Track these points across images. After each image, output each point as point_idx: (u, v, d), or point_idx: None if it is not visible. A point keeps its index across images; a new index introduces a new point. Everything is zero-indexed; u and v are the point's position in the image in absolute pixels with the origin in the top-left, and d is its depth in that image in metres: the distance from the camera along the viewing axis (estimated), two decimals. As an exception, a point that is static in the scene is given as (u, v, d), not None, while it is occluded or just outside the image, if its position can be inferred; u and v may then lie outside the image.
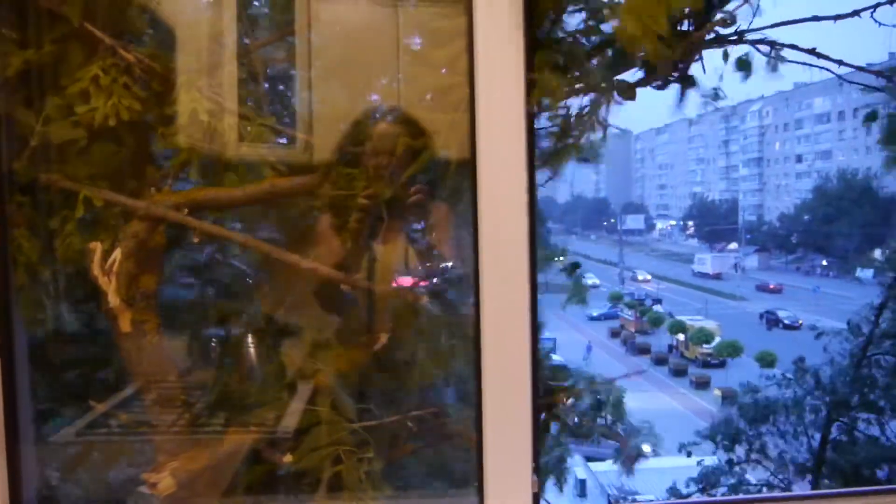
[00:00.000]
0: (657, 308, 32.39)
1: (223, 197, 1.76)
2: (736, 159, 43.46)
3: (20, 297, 1.76)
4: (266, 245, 1.78)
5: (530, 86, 1.72)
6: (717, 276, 37.45)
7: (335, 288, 1.90)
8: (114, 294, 1.70)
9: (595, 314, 33.08)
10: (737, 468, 10.71)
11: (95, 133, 1.75)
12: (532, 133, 1.77)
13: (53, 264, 1.80)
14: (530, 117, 1.73)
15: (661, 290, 35.91)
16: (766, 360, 20.63)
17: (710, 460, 10.95)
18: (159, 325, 1.81)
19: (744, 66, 2.53)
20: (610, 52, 1.89)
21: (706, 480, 10.96)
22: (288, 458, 1.75)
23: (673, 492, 11.28)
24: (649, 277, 37.18)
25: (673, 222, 46.57)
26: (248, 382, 1.99)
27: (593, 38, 1.88)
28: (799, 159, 38.74)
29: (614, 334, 31.54)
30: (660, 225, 47.35)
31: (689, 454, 11.41)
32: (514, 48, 1.64)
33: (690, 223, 43.89)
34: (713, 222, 41.58)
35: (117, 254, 1.71)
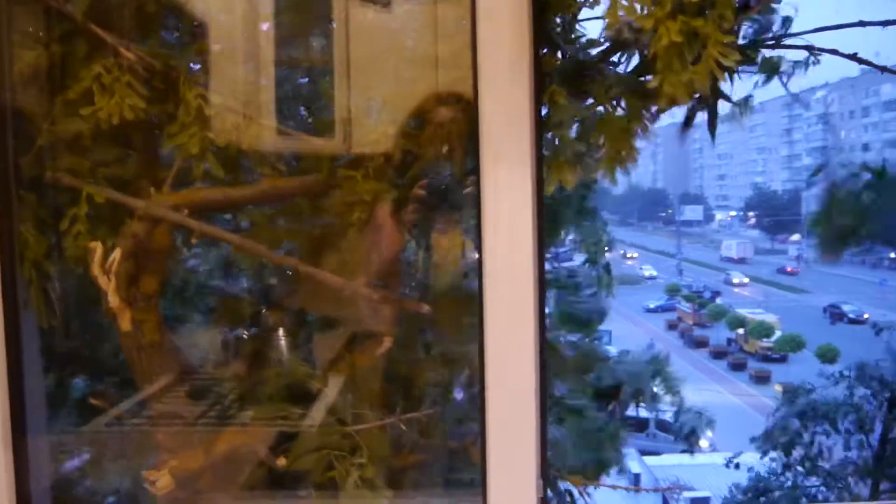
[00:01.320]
0: (717, 301, 31.78)
1: (221, 198, 1.75)
2: (799, 148, 42.25)
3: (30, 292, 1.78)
4: (262, 249, 1.77)
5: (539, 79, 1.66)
6: (742, 261, 36.70)
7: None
8: (113, 294, 1.71)
9: (652, 306, 32.61)
10: (795, 468, 10.44)
11: (102, 132, 1.76)
12: (539, 125, 1.72)
13: (61, 262, 1.82)
14: (538, 108, 1.68)
15: (721, 283, 35.17)
16: (828, 356, 20.05)
17: (761, 461, 10.71)
18: (161, 325, 1.81)
19: (771, 67, 2.43)
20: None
21: (762, 480, 10.72)
22: (281, 461, 1.74)
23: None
24: (746, 280, 35.85)
25: (733, 213, 45.56)
26: (277, 376, 1.98)
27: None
28: (866, 148, 37.45)
29: (671, 326, 31.08)
30: (719, 216, 46.36)
31: (737, 466, 11.16)
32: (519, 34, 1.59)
33: (751, 214, 42.89)
34: (775, 213, 40.56)
35: (116, 253, 1.71)
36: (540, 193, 1.68)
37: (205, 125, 1.75)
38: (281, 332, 2.21)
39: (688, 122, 1.91)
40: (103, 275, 1.73)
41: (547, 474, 1.73)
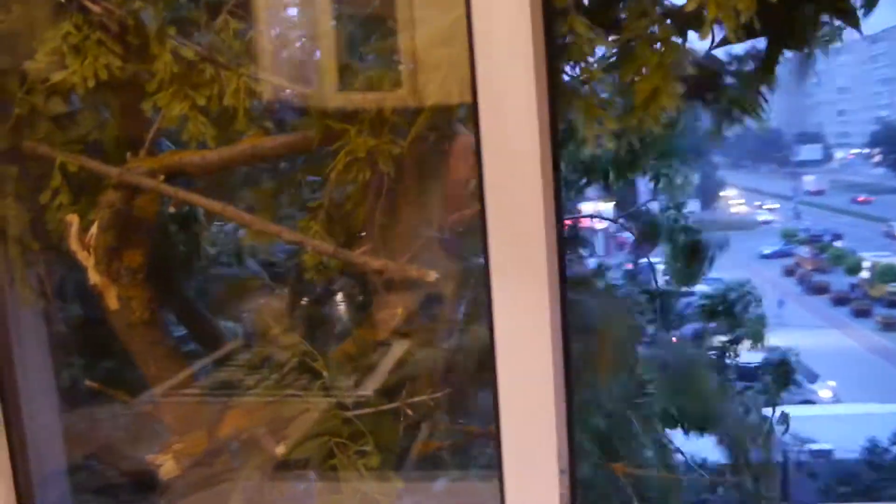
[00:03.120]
0: (837, 244, 30.05)
1: (198, 161, 1.58)
2: (931, 77, 38.97)
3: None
4: (246, 215, 1.59)
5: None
6: (819, 193, 34.43)
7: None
8: (93, 270, 1.59)
9: (767, 252, 31.17)
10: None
11: (79, 97, 1.62)
12: (553, 69, 1.46)
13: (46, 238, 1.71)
14: (550, 47, 1.43)
15: (842, 224, 33.21)
16: (962, 301, 18.59)
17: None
18: (151, 301, 1.68)
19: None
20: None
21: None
22: (281, 448, 1.58)
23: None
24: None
25: (855, 151, 42.72)
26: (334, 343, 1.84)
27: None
28: None
29: (788, 272, 29.66)
30: (839, 154, 43.56)
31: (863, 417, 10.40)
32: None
33: (876, 151, 40.07)
34: (904, 148, 37.73)
35: (94, 226, 1.58)
36: (555, 140, 1.44)
37: (187, 81, 1.58)
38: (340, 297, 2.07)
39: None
40: (82, 250, 1.60)
41: (574, 466, 1.51)
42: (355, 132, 1.53)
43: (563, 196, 1.44)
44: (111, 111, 1.68)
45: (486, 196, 1.37)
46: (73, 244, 1.59)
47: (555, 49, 1.47)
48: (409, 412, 1.55)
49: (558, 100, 1.52)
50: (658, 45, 1.49)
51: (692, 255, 6.27)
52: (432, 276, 1.59)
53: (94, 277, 1.59)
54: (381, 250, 1.66)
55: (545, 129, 1.41)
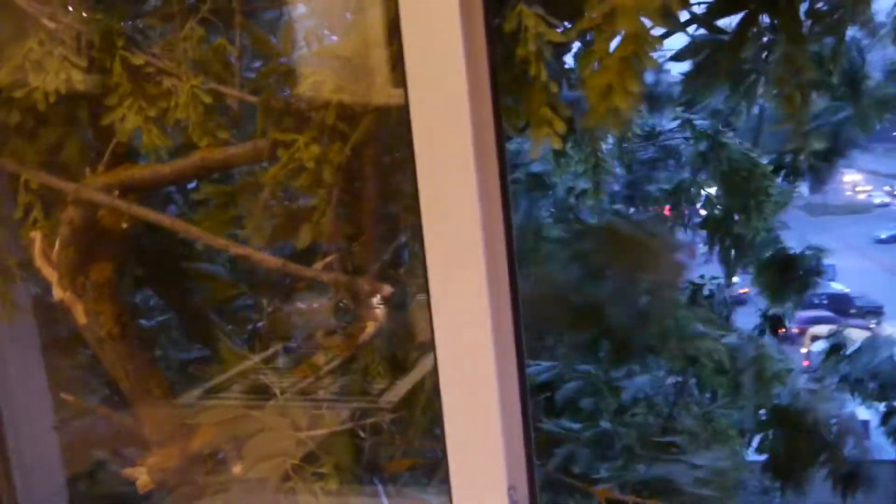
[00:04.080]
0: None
1: (149, 175, 1.56)
2: None
3: None
4: (194, 229, 1.55)
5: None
6: None
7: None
8: (57, 286, 1.59)
9: (884, 236, 29.39)
10: None
11: (42, 112, 1.63)
12: (502, 64, 1.36)
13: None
14: (492, 40, 1.33)
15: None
16: None
17: None
18: (121, 315, 1.67)
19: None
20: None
21: None
22: (237, 468, 1.55)
23: None
24: None
25: (983, 125, 39.61)
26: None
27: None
28: None
29: (908, 258, 27.90)
30: (965, 130, 40.53)
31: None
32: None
33: None
34: None
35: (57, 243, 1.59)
36: (500, 139, 1.33)
37: (142, 94, 1.56)
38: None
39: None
40: (47, 266, 1.61)
41: (534, 483, 1.40)
42: (304, 142, 1.47)
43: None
44: (77, 126, 1.67)
45: (422, 207, 1.28)
46: (38, 260, 1.60)
47: (500, 43, 1.38)
48: (363, 434, 1.48)
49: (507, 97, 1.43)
50: (617, 35, 1.36)
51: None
52: (387, 290, 1.52)
53: (58, 293, 1.60)
54: (348, 263, 1.61)
55: (485, 128, 1.31)
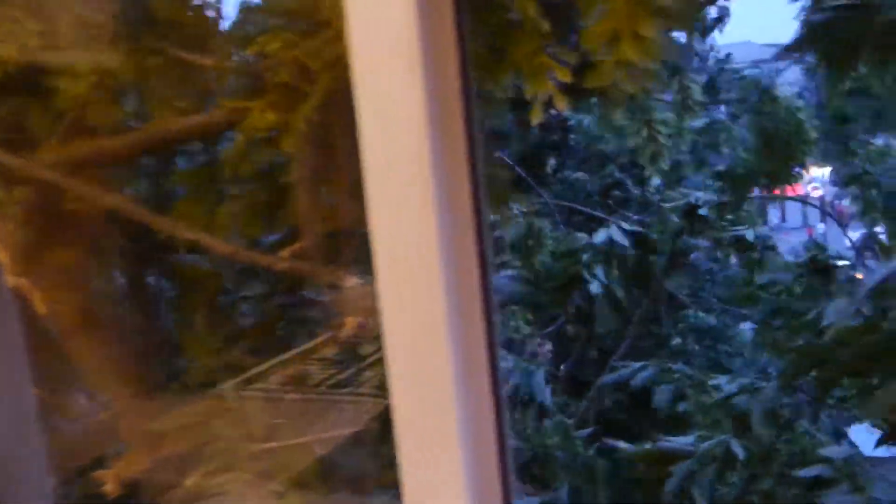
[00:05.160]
0: None
1: (105, 150, 1.39)
2: None
3: None
4: (145, 212, 1.37)
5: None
6: None
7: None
8: (9, 272, 1.45)
9: None
10: None
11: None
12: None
13: None
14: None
15: None
16: None
17: None
18: (85, 306, 1.52)
19: None
20: None
21: None
22: (190, 480, 1.36)
23: None
24: None
25: None
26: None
27: None
28: None
29: None
30: None
31: None
32: None
33: None
34: None
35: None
36: (468, 96, 1.08)
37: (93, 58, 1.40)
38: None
39: None
40: (3, 251, 1.47)
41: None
42: (260, 108, 1.26)
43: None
44: (37, 97, 1.53)
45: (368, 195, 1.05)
46: (-9, 243, 1.46)
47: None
48: (318, 449, 1.27)
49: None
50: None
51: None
52: (351, 281, 1.30)
53: (10, 280, 1.46)
54: (320, 250, 1.39)
55: (448, 90, 1.06)
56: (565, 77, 1.12)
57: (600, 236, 4.13)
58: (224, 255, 1.30)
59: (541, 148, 5.27)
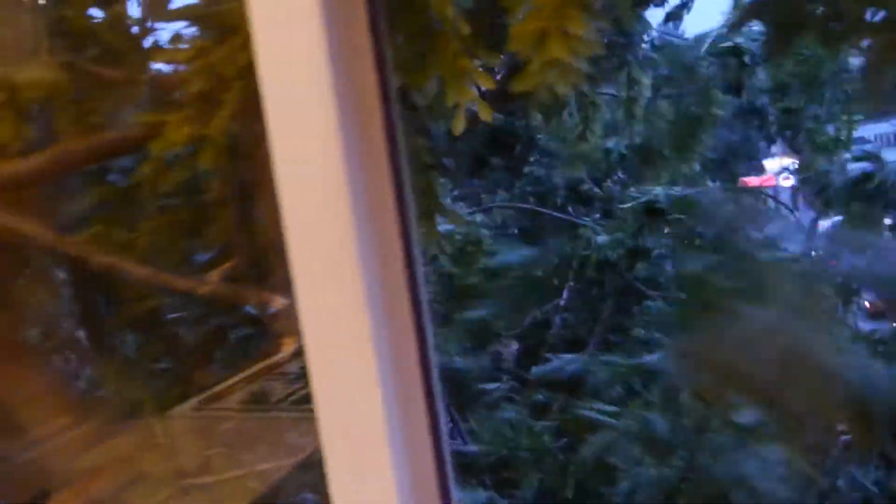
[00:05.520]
0: None
1: (10, 172, 1.30)
2: None
3: None
4: (49, 234, 1.29)
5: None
6: None
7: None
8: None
9: None
10: None
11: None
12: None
13: None
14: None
15: None
16: None
17: None
18: (8, 333, 1.44)
19: None
20: None
21: None
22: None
23: None
24: None
25: None
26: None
27: None
28: None
29: None
30: None
31: None
32: None
33: None
34: None
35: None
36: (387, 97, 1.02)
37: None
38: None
39: None
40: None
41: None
42: (176, 122, 1.19)
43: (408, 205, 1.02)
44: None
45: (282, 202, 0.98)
46: None
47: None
48: (255, 485, 1.20)
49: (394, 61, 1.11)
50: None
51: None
52: (279, 302, 1.24)
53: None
54: (252, 270, 1.33)
55: (366, 93, 1.00)
56: (487, 83, 1.07)
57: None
58: (141, 279, 1.22)
59: (498, 148, 5.22)
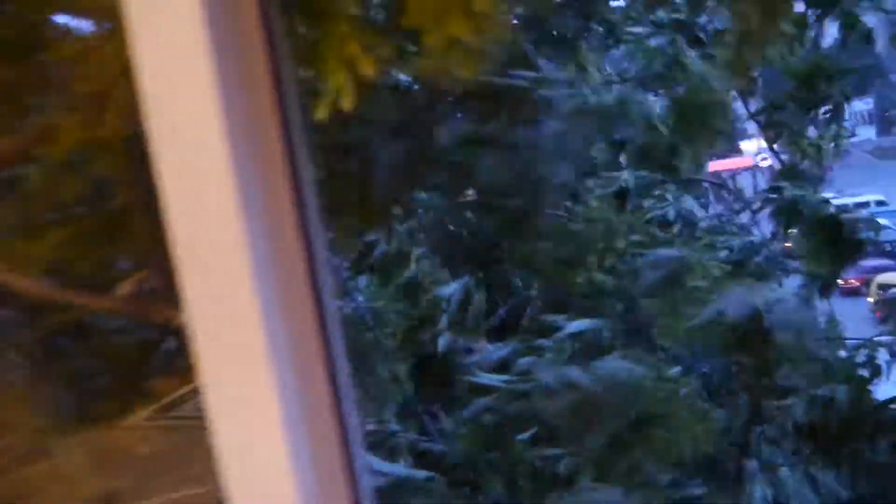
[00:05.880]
0: None
1: None
2: None
3: None
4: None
5: None
6: None
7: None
8: None
9: None
10: None
11: None
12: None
13: None
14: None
15: None
16: None
17: None
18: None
19: None
20: None
21: None
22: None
23: None
24: None
25: None
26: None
27: None
28: None
29: None
30: None
31: None
32: None
33: None
34: None
35: None
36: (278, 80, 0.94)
37: None
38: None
39: None
40: None
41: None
42: (69, 125, 1.11)
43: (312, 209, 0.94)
44: None
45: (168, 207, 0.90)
46: None
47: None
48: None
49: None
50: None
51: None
52: (180, 317, 1.14)
53: None
54: (166, 282, 1.23)
55: (259, 89, 0.92)
56: (368, 68, 0.99)
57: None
58: (35, 296, 1.13)
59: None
